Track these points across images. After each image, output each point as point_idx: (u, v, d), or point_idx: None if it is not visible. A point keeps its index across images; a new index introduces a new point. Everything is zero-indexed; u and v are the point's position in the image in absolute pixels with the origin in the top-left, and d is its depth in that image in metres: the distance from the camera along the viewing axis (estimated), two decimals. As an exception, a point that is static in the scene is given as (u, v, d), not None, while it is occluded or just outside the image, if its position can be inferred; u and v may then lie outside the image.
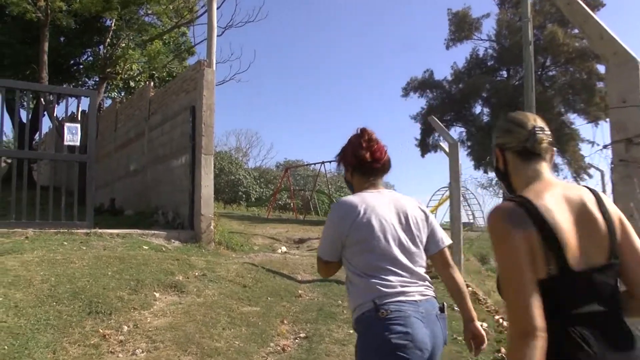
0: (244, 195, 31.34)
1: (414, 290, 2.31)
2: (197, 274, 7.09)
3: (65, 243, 8.05)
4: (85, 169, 9.79)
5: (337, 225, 2.42)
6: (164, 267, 7.00)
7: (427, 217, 2.51)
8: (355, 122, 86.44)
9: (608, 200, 1.73)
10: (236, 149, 49.80)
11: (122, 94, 21.93)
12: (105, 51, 18.65)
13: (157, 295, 6.08)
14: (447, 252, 2.52)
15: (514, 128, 1.83)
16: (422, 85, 30.52)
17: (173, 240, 9.47)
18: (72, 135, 9.39)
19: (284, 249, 11.27)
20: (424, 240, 2.47)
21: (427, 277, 2.43)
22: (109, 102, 21.79)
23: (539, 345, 1.49)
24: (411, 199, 2.54)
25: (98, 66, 18.84)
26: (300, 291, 7.41)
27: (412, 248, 2.40)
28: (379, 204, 2.44)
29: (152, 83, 15.58)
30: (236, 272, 7.49)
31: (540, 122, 1.82)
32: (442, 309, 2.37)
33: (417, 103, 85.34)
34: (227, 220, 14.94)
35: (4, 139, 10.33)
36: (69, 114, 10.98)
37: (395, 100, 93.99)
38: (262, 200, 30.77)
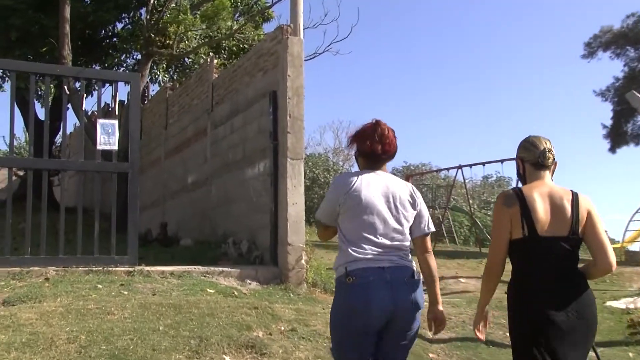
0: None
1: (384, 258, 3.80)
2: (283, 328, 7.17)
3: (100, 286, 8.25)
4: (127, 183, 10.09)
5: (334, 194, 4.00)
6: (236, 319, 7.13)
7: (414, 202, 4.05)
8: (500, 110, 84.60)
9: (583, 198, 3.82)
10: (335, 151, 49.71)
11: (175, 77, 22.50)
12: (148, 16, 19.08)
13: (228, 358, 6.15)
14: (428, 239, 4.07)
15: (531, 148, 3.92)
16: (620, 38, 28.61)
17: (249, 281, 9.68)
18: (108, 136, 9.75)
19: (408, 292, 11.14)
20: (410, 220, 4.01)
21: (406, 249, 3.94)
22: (156, 88, 22.47)
23: (496, 278, 3.77)
24: (404, 182, 4.15)
25: (140, 38, 19.41)
26: (431, 355, 7.41)
27: (395, 224, 3.92)
28: (373, 182, 3.98)
29: (215, 60, 15.88)
30: (339, 326, 7.52)
31: (549, 145, 3.91)
32: (412, 275, 3.85)
33: (608, 70, 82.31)
34: (324, 251, 14.73)
35: (15, 142, 10.93)
36: (102, 106, 11.41)
37: (569, 66, 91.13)
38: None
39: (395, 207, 3.94)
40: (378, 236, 3.85)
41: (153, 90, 22.35)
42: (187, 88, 16.64)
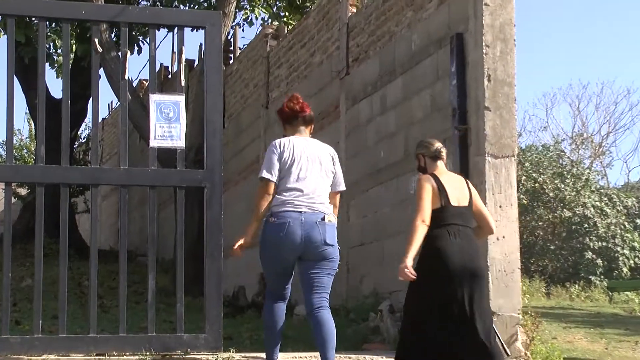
0: (598, 260, 30.76)
1: (303, 204, 8.32)
2: None
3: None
4: (202, 206, 10.01)
5: (272, 155, 8.55)
6: None
7: (334, 163, 8.70)
8: None
9: (469, 182, 10.42)
10: (575, 139, 48.08)
11: (281, 17, 22.44)
12: None
13: None
14: (338, 197, 9.14)
15: (428, 146, 10.53)
16: None
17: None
18: (168, 124, 9.74)
19: None
20: (330, 177, 8.70)
21: (325, 200, 8.69)
22: (249, 35, 22.39)
23: (424, 229, 9.88)
24: (327, 146, 8.72)
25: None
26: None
27: (318, 179, 8.49)
28: (301, 143, 8.53)
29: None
30: None
31: (440, 144, 10.55)
32: (323, 219, 8.47)
33: None
34: (558, 324, 15.43)
35: (14, 139, 10.55)
36: (157, 71, 11.13)
37: None
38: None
39: (320, 166, 8.08)
40: (303, 187, 7.96)
41: (243, 45, 22.42)
42: (302, 35, 16.57)
